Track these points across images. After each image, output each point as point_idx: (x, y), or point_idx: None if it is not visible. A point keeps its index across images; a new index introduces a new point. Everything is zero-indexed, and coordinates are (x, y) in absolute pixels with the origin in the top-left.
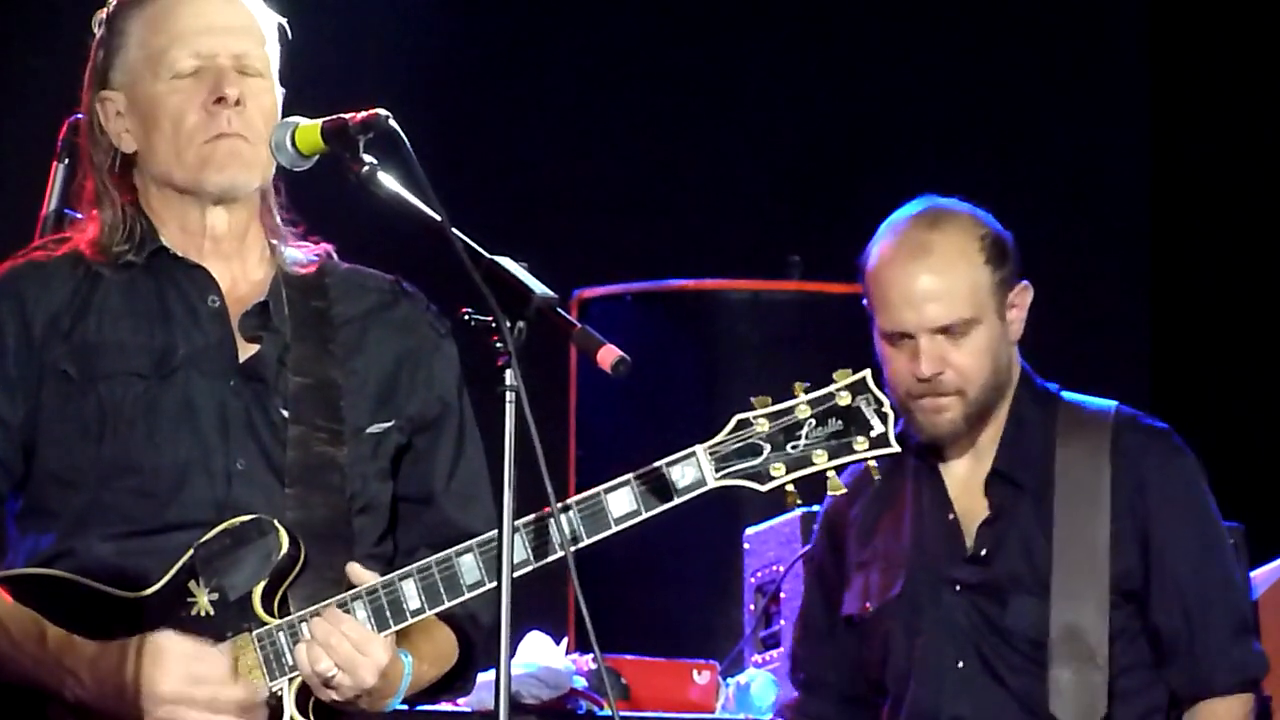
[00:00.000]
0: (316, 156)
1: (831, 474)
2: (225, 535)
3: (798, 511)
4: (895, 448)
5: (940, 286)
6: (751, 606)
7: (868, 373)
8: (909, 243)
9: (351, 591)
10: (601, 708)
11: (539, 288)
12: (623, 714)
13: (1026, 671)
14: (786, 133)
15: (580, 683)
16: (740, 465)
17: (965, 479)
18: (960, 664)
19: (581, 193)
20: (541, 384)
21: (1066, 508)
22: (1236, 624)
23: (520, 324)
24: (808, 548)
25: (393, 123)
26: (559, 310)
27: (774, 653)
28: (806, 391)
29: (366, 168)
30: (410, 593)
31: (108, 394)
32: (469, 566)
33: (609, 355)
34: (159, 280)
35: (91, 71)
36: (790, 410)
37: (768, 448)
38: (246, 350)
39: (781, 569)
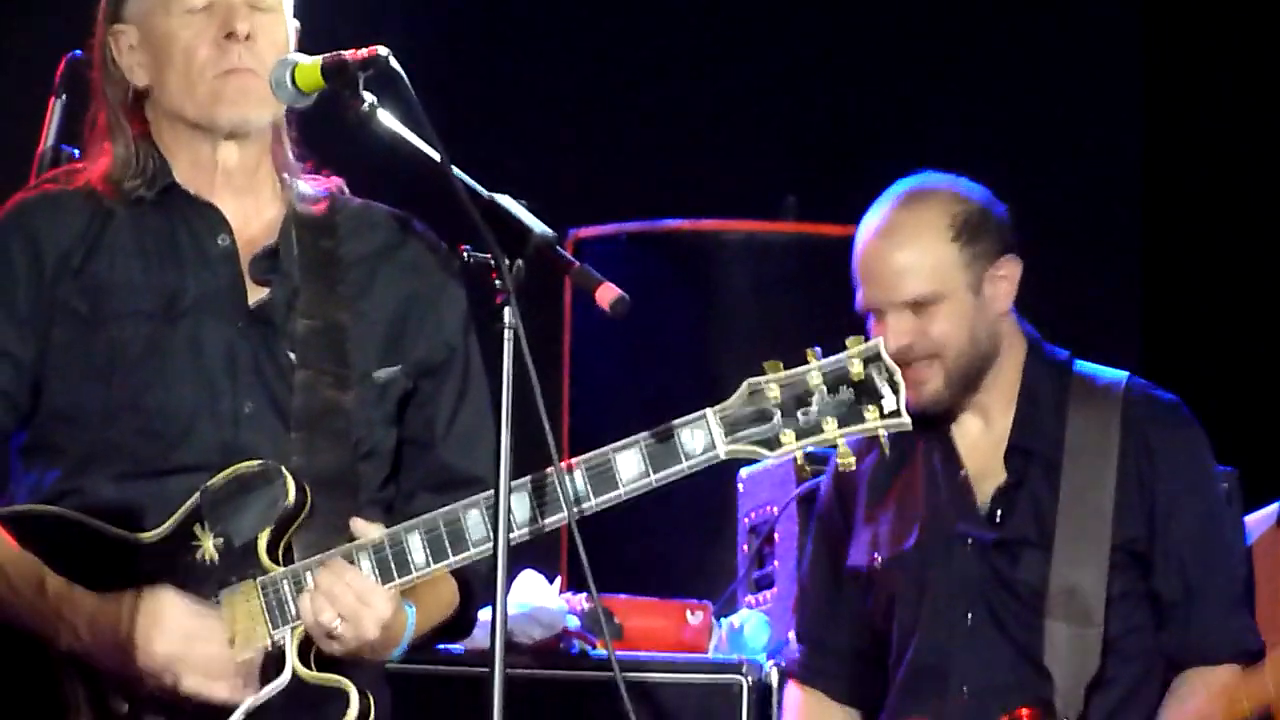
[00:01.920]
0: (316, 94)
1: (840, 443)
2: (232, 480)
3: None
4: (906, 420)
5: (901, 263)
6: (745, 547)
7: (880, 341)
8: (878, 222)
9: (357, 543)
10: (595, 647)
11: (538, 226)
12: (616, 654)
13: (1030, 625)
14: (783, 73)
15: (574, 622)
16: (750, 431)
17: (976, 439)
18: (969, 616)
19: (577, 132)
20: (536, 327)
21: (1075, 471)
22: (1235, 596)
23: (519, 262)
24: (802, 488)
25: (393, 61)
26: (558, 249)
27: (767, 593)
28: (818, 358)
29: (366, 105)
30: (415, 546)
31: (117, 333)
32: (475, 522)
33: (608, 293)
34: (170, 217)
35: (104, 4)
36: (802, 377)
37: (778, 414)
38: (256, 293)
39: (776, 510)
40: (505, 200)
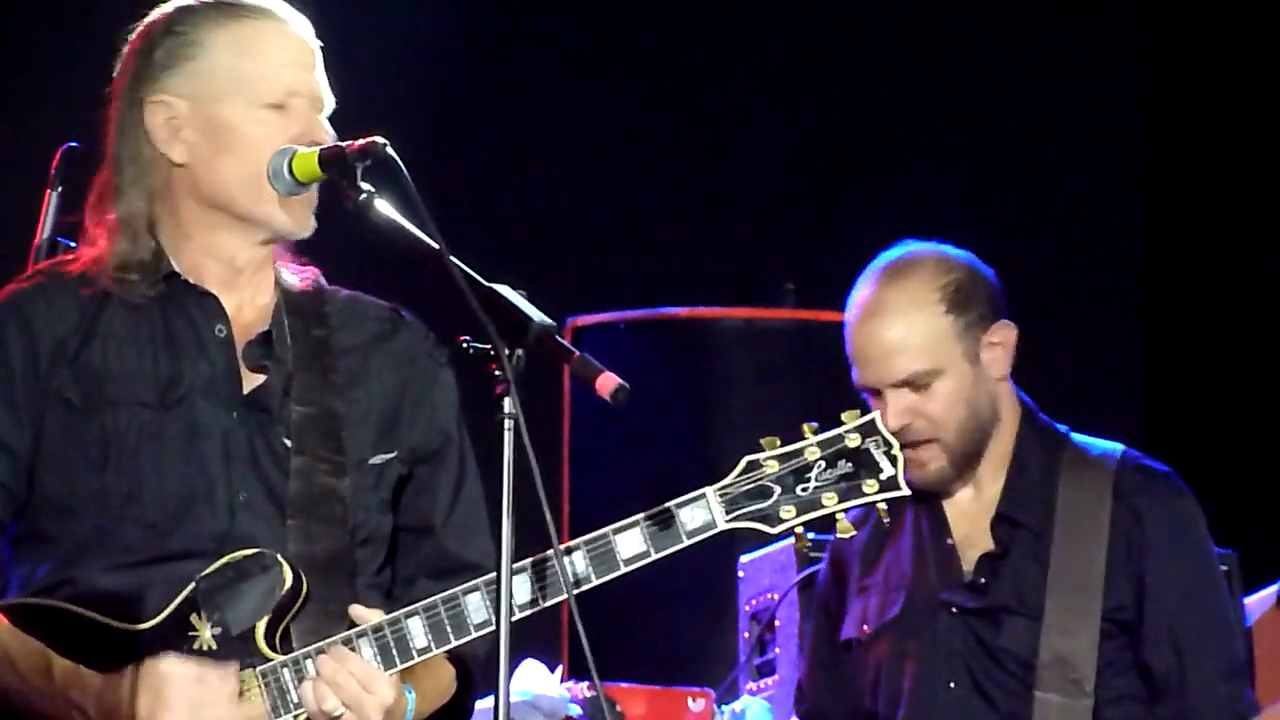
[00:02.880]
0: (314, 183)
1: (840, 516)
2: (228, 568)
3: (789, 540)
4: (905, 490)
5: (895, 341)
6: (746, 634)
7: (877, 415)
8: (867, 300)
9: (357, 629)
10: None
11: (537, 315)
12: None
13: (1016, 694)
14: (781, 161)
15: (576, 711)
16: (750, 507)
17: (965, 507)
18: (952, 684)
19: (575, 221)
20: (535, 412)
21: (1064, 542)
22: (1227, 666)
23: (519, 352)
24: (803, 574)
25: (390, 150)
26: (557, 338)
27: (769, 680)
28: (815, 433)
29: (364, 195)
30: (416, 631)
31: (112, 422)
32: (475, 606)
33: (608, 383)
34: (167, 305)
35: (136, 68)
36: (800, 452)
37: (778, 490)
38: (251, 380)
39: (776, 596)
40: (504, 290)
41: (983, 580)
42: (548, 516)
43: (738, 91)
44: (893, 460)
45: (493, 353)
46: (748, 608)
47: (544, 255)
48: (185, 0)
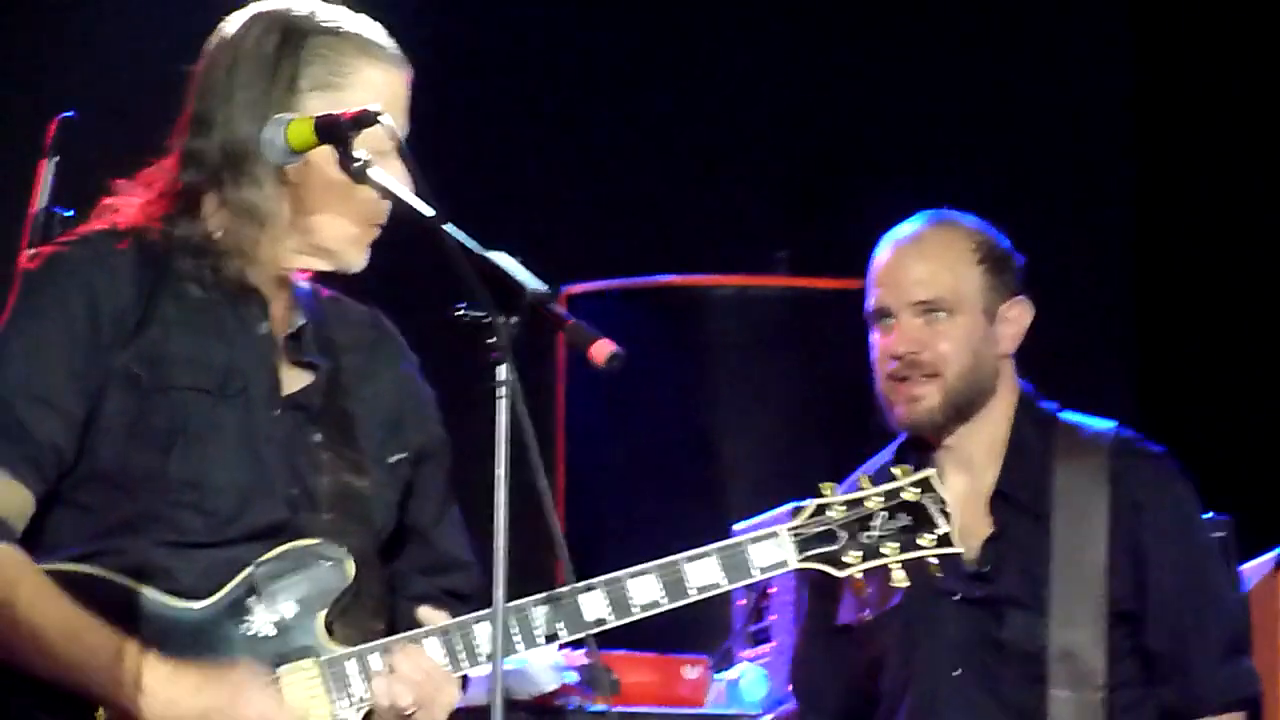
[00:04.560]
0: (306, 152)
1: (897, 567)
2: (287, 556)
3: (787, 506)
4: (959, 548)
5: (923, 268)
6: (741, 601)
7: (932, 472)
8: (905, 234)
9: (425, 630)
10: (593, 703)
11: (533, 282)
12: (614, 709)
13: (1021, 685)
14: (774, 127)
15: (572, 678)
16: (819, 549)
17: (963, 495)
18: (957, 672)
19: (568, 189)
20: (528, 380)
21: (1065, 529)
22: (1228, 643)
23: (514, 319)
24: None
25: (384, 118)
26: (552, 305)
27: (764, 648)
28: (873, 483)
29: (358, 163)
30: (483, 637)
31: (177, 406)
32: (540, 617)
33: (602, 350)
34: (216, 296)
35: (270, 69)
36: (862, 501)
37: (844, 535)
38: (288, 377)
39: None
40: (500, 257)
41: (987, 568)
42: (544, 486)
43: (732, 58)
44: (946, 516)
45: (487, 321)
46: None
47: (537, 223)
48: (331, 19)
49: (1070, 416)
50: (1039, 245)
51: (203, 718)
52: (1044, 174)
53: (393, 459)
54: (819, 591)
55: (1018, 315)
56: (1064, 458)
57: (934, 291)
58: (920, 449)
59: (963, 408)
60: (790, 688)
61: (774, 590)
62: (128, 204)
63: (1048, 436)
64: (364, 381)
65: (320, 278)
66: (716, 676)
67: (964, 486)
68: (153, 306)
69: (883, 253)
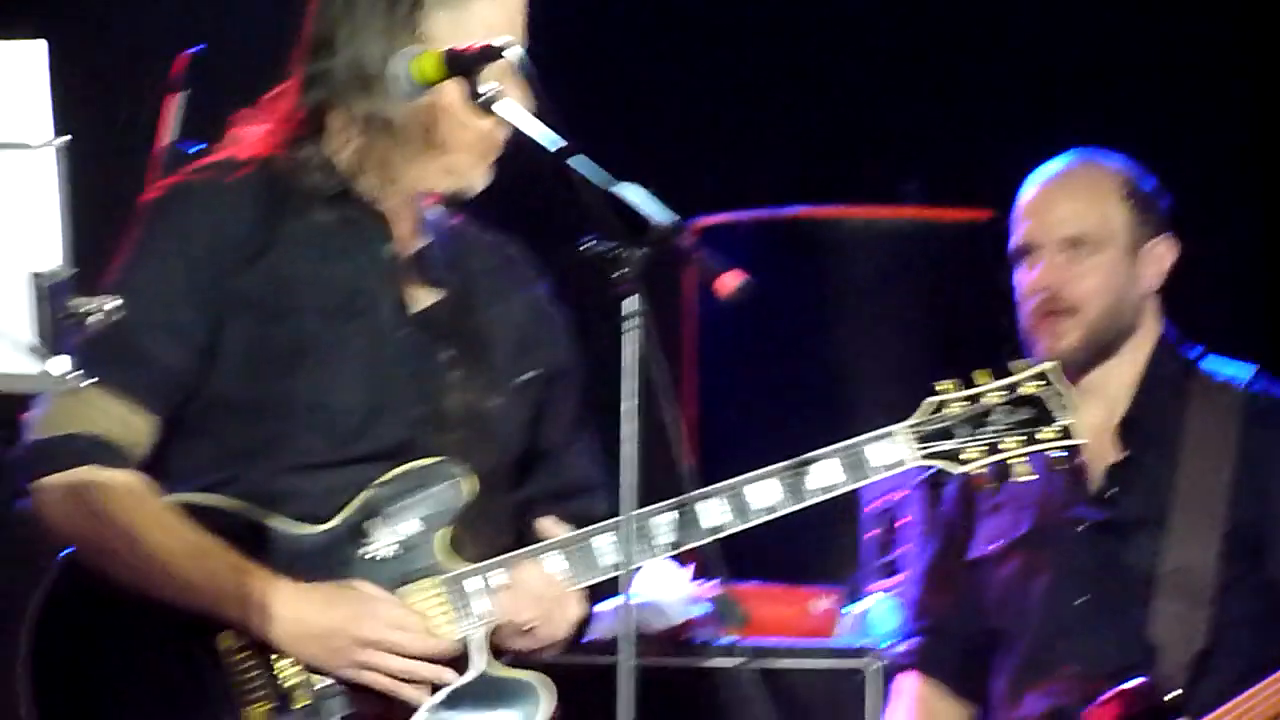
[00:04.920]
0: (433, 86)
1: (1020, 461)
2: (408, 476)
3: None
4: (1082, 439)
5: (1070, 204)
6: (870, 532)
7: (1052, 364)
8: (1053, 171)
9: (546, 543)
10: (723, 636)
11: (660, 214)
12: (743, 641)
13: (1139, 605)
14: (905, 56)
15: (701, 610)
16: (937, 446)
17: (1097, 426)
18: (1080, 600)
19: (698, 120)
20: (657, 314)
21: (1191, 459)
22: None
23: (642, 251)
24: (928, 471)
25: (510, 53)
26: (680, 237)
27: (894, 579)
28: (993, 378)
29: (486, 96)
30: (605, 548)
31: (299, 329)
32: (658, 525)
33: (730, 280)
34: (340, 217)
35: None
36: (980, 396)
37: (963, 431)
38: (413, 297)
39: (901, 495)
40: (628, 189)
41: (1111, 492)
42: (674, 416)
43: None
44: (1065, 409)
45: (615, 253)
46: (872, 506)
47: (667, 155)
48: None
49: (1209, 361)
50: (1171, 183)
51: (329, 634)
52: (1176, 114)
53: (523, 378)
54: (948, 531)
55: (1162, 253)
56: (1198, 396)
57: (1080, 227)
58: None
59: (1104, 344)
60: (917, 619)
61: (904, 521)
62: (250, 131)
63: (1184, 375)
64: (493, 302)
65: (446, 204)
66: (846, 608)
67: (1097, 419)
68: (275, 230)
69: (1029, 189)
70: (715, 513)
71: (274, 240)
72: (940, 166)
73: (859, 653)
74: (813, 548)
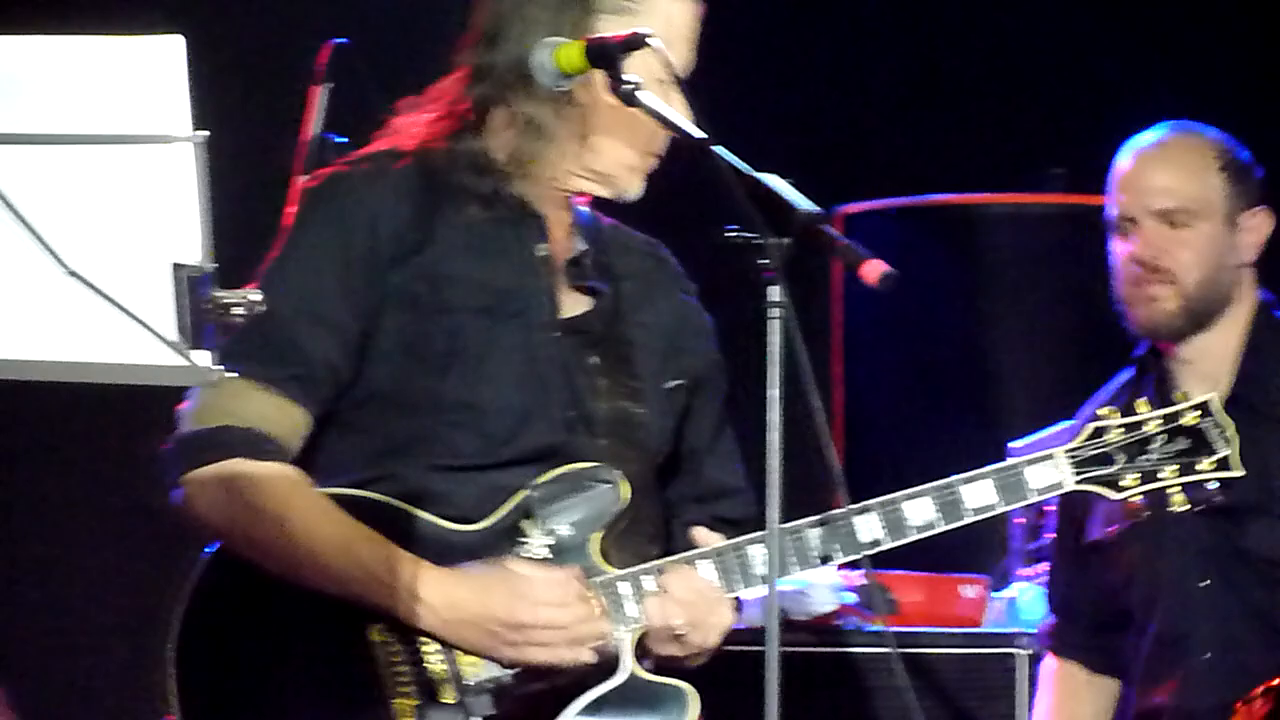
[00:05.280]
0: (577, 77)
1: (1174, 490)
2: (563, 479)
3: (1063, 425)
4: (1240, 471)
5: (1166, 175)
6: (1019, 520)
7: (1213, 396)
8: (1147, 142)
9: (699, 551)
10: (870, 624)
11: (803, 203)
12: (892, 629)
13: (1266, 588)
14: (1049, 43)
15: (850, 598)
16: (1095, 472)
17: None
18: (1204, 583)
19: (843, 108)
20: (804, 303)
21: None
22: None
23: (785, 240)
24: None
25: (653, 41)
26: (824, 226)
27: (1041, 566)
28: (1153, 408)
29: (628, 87)
30: (757, 558)
31: (455, 326)
32: (815, 539)
33: (874, 270)
34: (494, 216)
35: None
36: (1141, 424)
37: (1121, 458)
38: (567, 301)
39: None
40: (770, 179)
41: None
42: (817, 405)
43: None
44: (1227, 441)
45: (758, 243)
46: None
47: (812, 143)
48: None
49: None
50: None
51: (484, 620)
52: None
53: (669, 385)
54: (1068, 515)
55: (1259, 224)
56: None
57: (1176, 199)
58: (1157, 362)
59: (1201, 315)
60: (1049, 601)
61: (1051, 509)
62: (411, 123)
63: None
64: (641, 307)
65: (598, 205)
66: (994, 595)
67: (1202, 394)
68: (432, 226)
69: (1124, 160)
70: (871, 528)
71: (431, 236)
72: (1085, 153)
73: (1007, 640)
74: (961, 535)
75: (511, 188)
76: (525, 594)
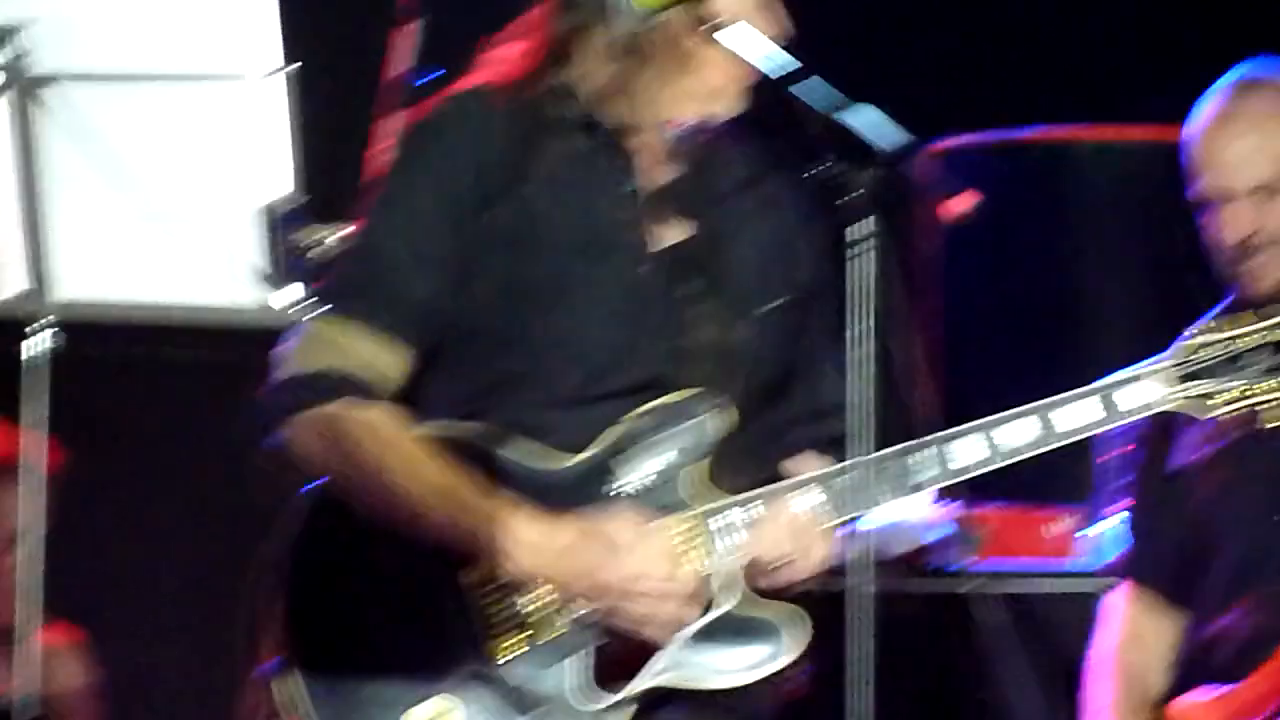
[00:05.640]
0: (658, 13)
1: (1269, 407)
2: (659, 411)
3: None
4: None
5: (1242, 150)
6: (1107, 454)
7: None
8: (1217, 108)
9: (799, 479)
10: (960, 558)
11: (890, 137)
12: (980, 564)
13: None
14: None
15: (938, 534)
16: (1186, 391)
17: None
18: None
19: (935, 42)
20: (896, 237)
21: None
22: None
23: (872, 173)
24: None
25: None
26: (909, 159)
27: (1129, 501)
28: (1241, 324)
29: (709, 24)
30: (854, 488)
31: (551, 262)
32: (918, 462)
33: (960, 203)
34: (587, 148)
35: None
36: (1232, 340)
37: (1211, 377)
38: (661, 230)
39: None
40: (860, 110)
41: None
42: (909, 339)
43: None
44: None
45: (848, 176)
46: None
47: (903, 76)
48: None
49: None
50: None
51: (573, 576)
52: None
53: (775, 303)
54: (1150, 443)
55: None
56: None
57: (1259, 175)
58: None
59: None
60: (1129, 528)
61: (1138, 444)
62: (503, 56)
63: None
64: (744, 228)
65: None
66: (1084, 530)
67: None
68: (527, 161)
69: (1202, 125)
70: (968, 452)
71: (525, 171)
72: (1177, 85)
73: (1097, 574)
74: (1050, 470)
75: (603, 119)
76: (616, 557)
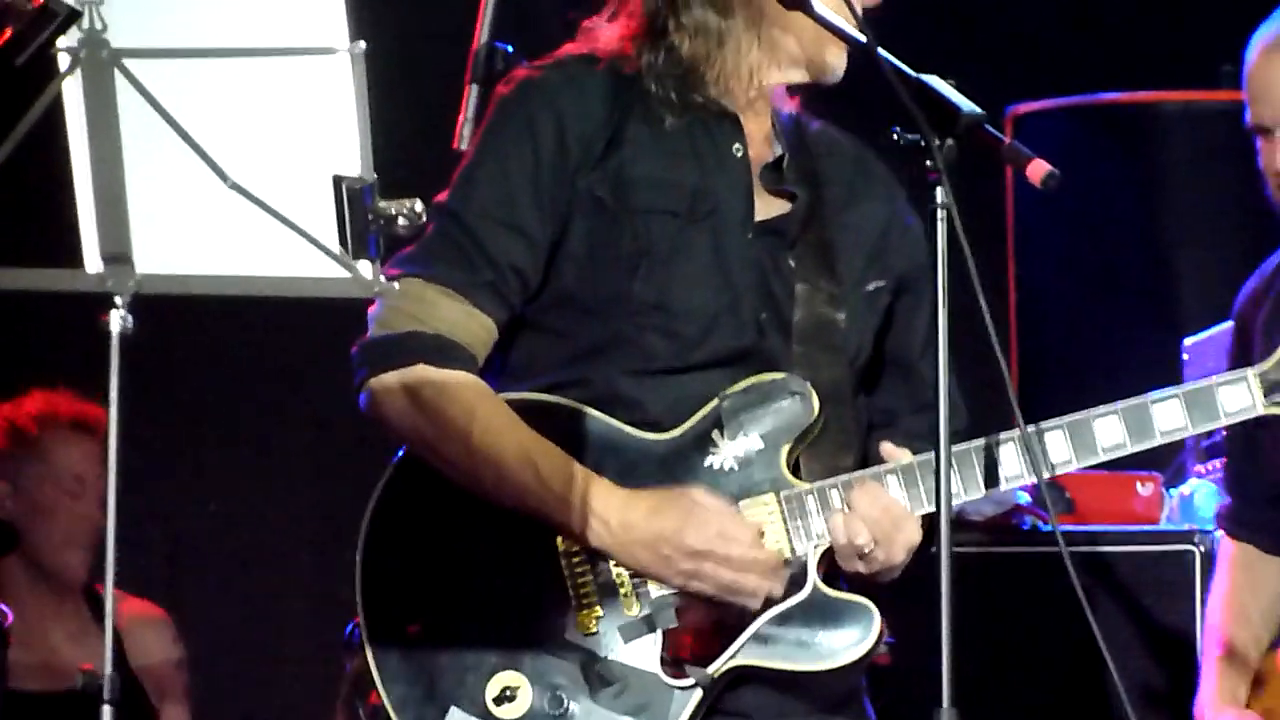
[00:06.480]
0: None
1: None
2: (754, 389)
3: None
4: None
5: None
6: None
7: None
8: (1266, 39)
9: (886, 466)
10: (1045, 522)
11: (967, 105)
12: (1067, 528)
13: None
14: None
15: (1024, 498)
16: None
17: None
18: None
19: (1012, 7)
20: (977, 204)
21: None
22: None
23: (949, 141)
24: None
25: None
26: (987, 126)
27: (1216, 462)
28: None
29: None
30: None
31: (643, 228)
32: (1008, 455)
33: (1038, 169)
34: (688, 119)
35: None
36: None
37: None
38: (763, 203)
39: None
40: (933, 80)
41: None
42: (984, 306)
43: None
44: None
45: (923, 144)
46: None
47: (981, 43)
48: None
49: None
50: None
51: (656, 541)
52: None
53: (870, 287)
54: None
55: None
56: None
57: None
58: None
59: None
60: (1224, 485)
61: None
62: (604, 27)
63: None
64: (845, 210)
65: (806, 104)
66: (1170, 492)
67: None
68: (622, 129)
69: (1251, 60)
70: (1060, 448)
71: (620, 140)
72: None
73: (1183, 537)
74: None
75: (703, 92)
76: (698, 521)
